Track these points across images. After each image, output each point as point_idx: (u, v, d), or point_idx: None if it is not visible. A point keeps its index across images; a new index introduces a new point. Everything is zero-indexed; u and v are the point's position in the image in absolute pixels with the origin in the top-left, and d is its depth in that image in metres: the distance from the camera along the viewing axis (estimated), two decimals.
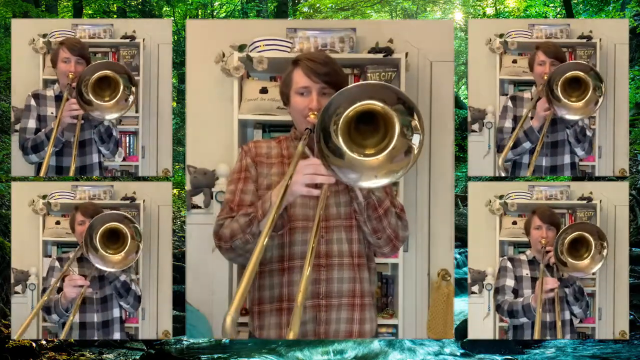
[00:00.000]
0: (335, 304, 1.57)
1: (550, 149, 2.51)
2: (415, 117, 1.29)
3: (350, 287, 1.59)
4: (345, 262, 1.58)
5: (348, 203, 1.59)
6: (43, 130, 2.45)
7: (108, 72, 2.38)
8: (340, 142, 1.30)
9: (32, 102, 2.47)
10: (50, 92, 2.50)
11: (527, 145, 2.49)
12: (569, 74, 2.38)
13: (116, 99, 2.39)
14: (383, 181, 1.32)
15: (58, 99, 2.47)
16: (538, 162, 2.51)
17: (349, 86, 1.30)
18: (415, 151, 1.30)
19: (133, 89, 2.42)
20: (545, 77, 2.44)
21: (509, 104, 2.54)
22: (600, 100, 2.37)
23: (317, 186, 1.41)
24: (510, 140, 2.48)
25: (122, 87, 2.39)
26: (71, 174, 2.51)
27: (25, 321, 2.37)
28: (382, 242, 1.58)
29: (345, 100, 1.28)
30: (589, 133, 2.51)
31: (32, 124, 2.46)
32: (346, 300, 1.58)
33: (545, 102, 2.42)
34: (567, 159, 2.51)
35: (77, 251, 2.43)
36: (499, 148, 2.54)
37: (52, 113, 2.47)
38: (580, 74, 2.38)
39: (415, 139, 1.30)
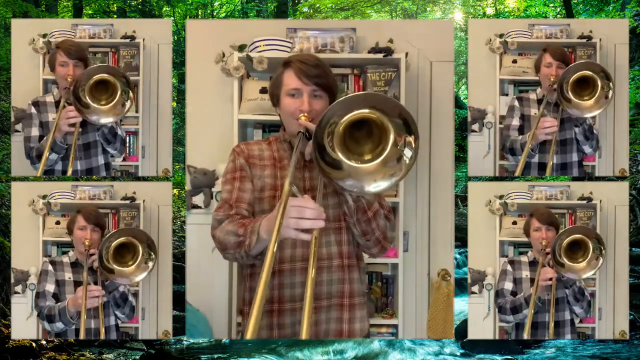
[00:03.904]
0: (325, 306, 1.57)
1: (559, 147, 2.53)
2: (413, 135, 1.29)
3: (340, 289, 1.58)
4: (334, 264, 1.58)
5: (337, 205, 1.58)
6: (45, 137, 2.43)
7: (105, 75, 2.35)
8: (338, 153, 1.30)
9: (33, 110, 2.45)
10: (50, 98, 2.48)
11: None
12: (578, 74, 2.41)
13: (113, 102, 2.37)
14: (383, 184, 1.32)
15: (58, 104, 2.45)
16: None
17: (346, 96, 1.29)
18: (407, 161, 1.30)
19: (131, 94, 2.40)
20: (552, 79, 2.46)
21: (516, 103, 2.55)
22: (610, 94, 2.41)
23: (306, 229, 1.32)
24: (523, 154, 2.49)
25: (119, 92, 2.37)
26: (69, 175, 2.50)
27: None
28: (370, 244, 1.58)
29: (339, 110, 1.28)
30: (595, 131, 2.53)
31: (35, 132, 2.45)
32: (335, 301, 1.58)
33: (546, 123, 2.45)
34: (575, 156, 2.53)
35: (86, 262, 2.40)
36: (504, 147, 2.55)
37: (53, 119, 2.44)
38: (590, 73, 2.41)
39: (407, 153, 1.30)
